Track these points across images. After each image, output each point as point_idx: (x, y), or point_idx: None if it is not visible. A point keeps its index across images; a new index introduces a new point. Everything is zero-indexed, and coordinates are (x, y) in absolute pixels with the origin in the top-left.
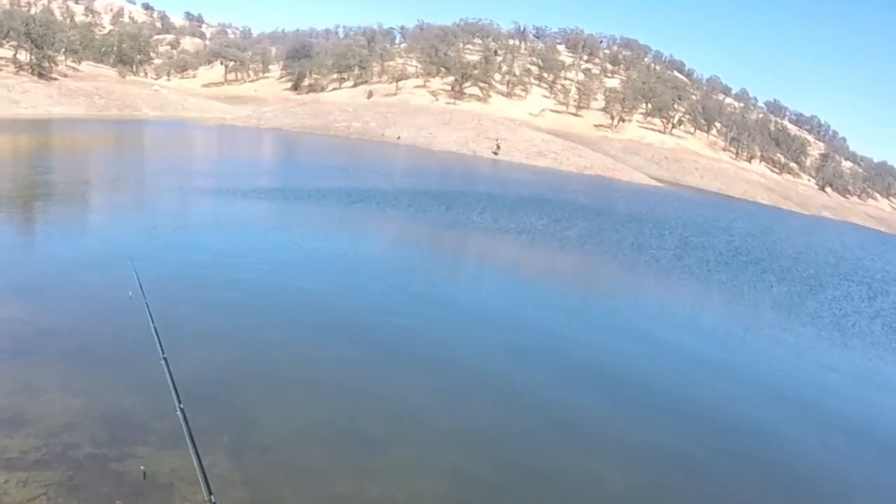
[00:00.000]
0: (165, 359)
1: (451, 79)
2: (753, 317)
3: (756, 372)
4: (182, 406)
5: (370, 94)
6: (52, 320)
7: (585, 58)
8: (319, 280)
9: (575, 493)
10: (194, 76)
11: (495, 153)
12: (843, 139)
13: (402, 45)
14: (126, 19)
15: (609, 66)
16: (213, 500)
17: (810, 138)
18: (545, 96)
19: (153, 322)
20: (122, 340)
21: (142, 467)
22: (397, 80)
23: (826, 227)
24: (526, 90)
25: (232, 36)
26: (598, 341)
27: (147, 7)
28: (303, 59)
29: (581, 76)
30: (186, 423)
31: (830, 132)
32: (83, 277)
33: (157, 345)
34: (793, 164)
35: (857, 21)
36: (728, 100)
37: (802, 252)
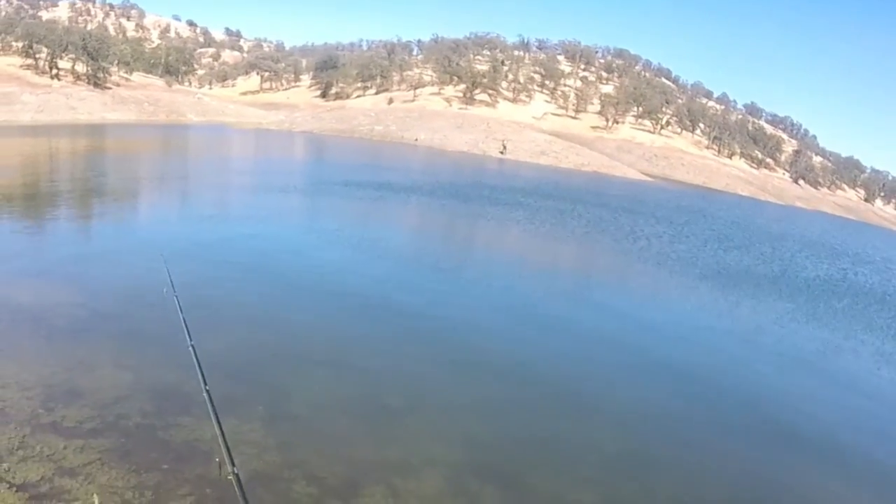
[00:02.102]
0: (193, 346)
1: (462, 86)
2: (738, 297)
3: (738, 342)
4: (208, 388)
5: (390, 101)
6: (102, 304)
7: (583, 66)
8: (343, 265)
9: (574, 457)
10: (233, 85)
11: (502, 153)
12: (814, 136)
13: (419, 57)
14: (172, 34)
15: (604, 74)
16: (236, 472)
17: (784, 136)
18: (547, 101)
19: (182, 313)
20: (163, 325)
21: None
22: (415, 88)
23: (800, 216)
24: (530, 96)
25: (267, 49)
26: (595, 320)
27: (191, 23)
28: (330, 69)
29: (579, 83)
30: (212, 403)
31: (802, 130)
32: (127, 266)
33: (186, 333)
34: (769, 160)
35: (827, 27)
36: (710, 103)
37: (779, 239)
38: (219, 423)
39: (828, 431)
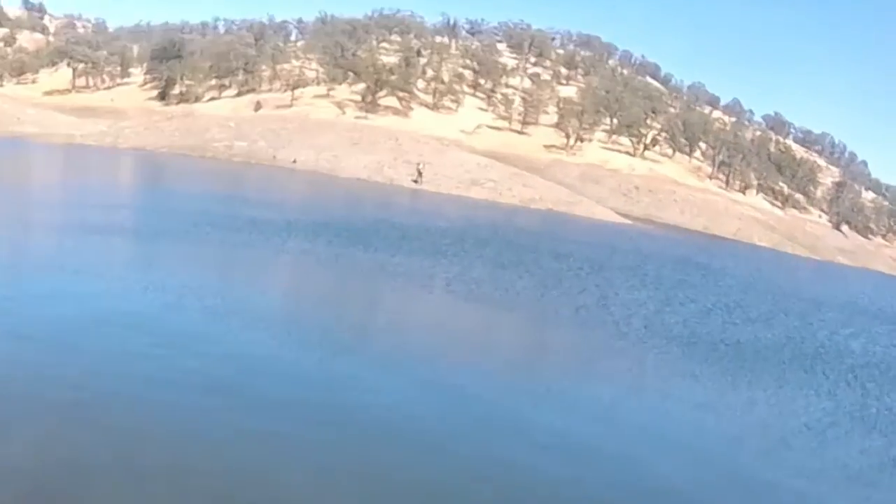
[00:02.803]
0: None
1: (361, 86)
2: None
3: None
4: None
5: (258, 106)
6: None
7: (533, 60)
8: (189, 339)
9: None
10: (34, 81)
11: (416, 181)
12: (864, 163)
13: (300, 44)
14: None
15: (563, 71)
16: None
17: (821, 162)
18: (482, 109)
19: None
20: None
21: None
22: (293, 88)
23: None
24: (457, 101)
25: (82, 31)
26: (554, 421)
27: None
28: (172, 60)
29: (528, 83)
30: None
31: (847, 154)
32: None
33: None
34: (799, 196)
35: (879, 18)
36: (716, 113)
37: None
38: None
39: None
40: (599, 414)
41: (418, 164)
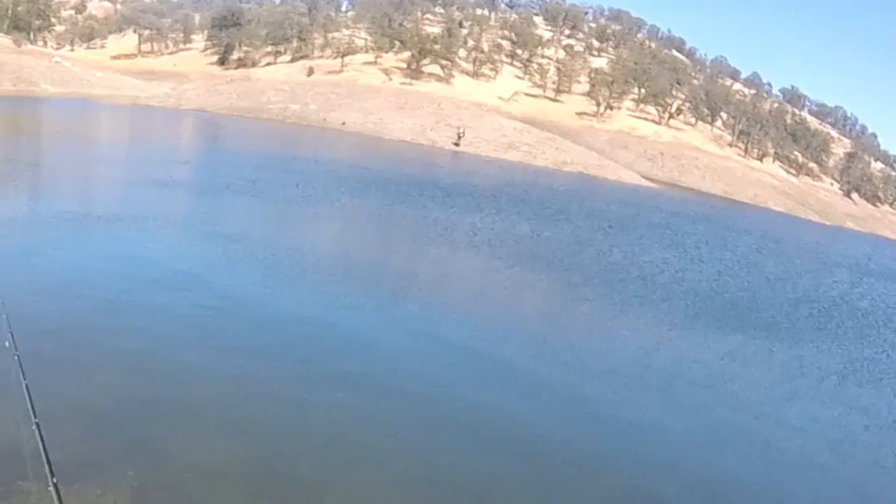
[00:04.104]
0: (38, 424)
1: (406, 54)
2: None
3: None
4: (56, 481)
5: (311, 72)
6: None
7: (567, 32)
8: (242, 295)
9: None
10: (103, 46)
11: (456, 144)
12: (874, 135)
13: (350, 14)
14: None
15: (595, 43)
16: None
17: (834, 133)
18: (518, 77)
19: (24, 379)
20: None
21: None
22: (343, 56)
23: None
24: (496, 69)
25: (148, 0)
26: (578, 374)
27: None
28: (231, 28)
29: (562, 54)
30: (59, 501)
31: (858, 127)
32: None
33: (29, 407)
34: (812, 165)
35: None
36: (737, 86)
37: None
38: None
39: None
40: (624, 357)
41: (458, 129)
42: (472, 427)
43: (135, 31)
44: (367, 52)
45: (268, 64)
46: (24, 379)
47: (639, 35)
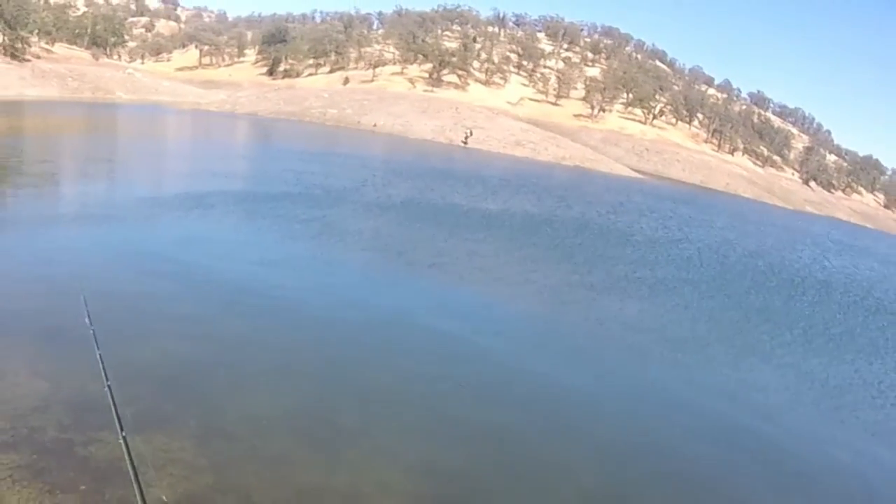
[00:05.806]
0: (110, 386)
1: (428, 66)
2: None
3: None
4: (125, 434)
5: (346, 81)
6: (16, 305)
7: (566, 46)
8: (287, 270)
9: (544, 486)
10: (168, 60)
11: (464, 142)
12: (828, 132)
13: (380, 32)
14: (100, 1)
15: (589, 55)
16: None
17: (794, 131)
18: (524, 84)
19: (99, 349)
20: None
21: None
22: (374, 67)
23: (809, 221)
24: (505, 78)
25: (207, 20)
26: (578, 335)
27: None
28: (278, 43)
29: (561, 65)
30: (128, 450)
31: (815, 125)
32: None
33: (102, 372)
34: (776, 157)
35: (845, 12)
36: (711, 90)
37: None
38: (136, 471)
39: None
40: (615, 324)
41: (467, 129)
42: (500, 384)
43: (196, 47)
44: (394, 64)
45: (310, 74)
46: (98, 349)
47: (627, 48)
